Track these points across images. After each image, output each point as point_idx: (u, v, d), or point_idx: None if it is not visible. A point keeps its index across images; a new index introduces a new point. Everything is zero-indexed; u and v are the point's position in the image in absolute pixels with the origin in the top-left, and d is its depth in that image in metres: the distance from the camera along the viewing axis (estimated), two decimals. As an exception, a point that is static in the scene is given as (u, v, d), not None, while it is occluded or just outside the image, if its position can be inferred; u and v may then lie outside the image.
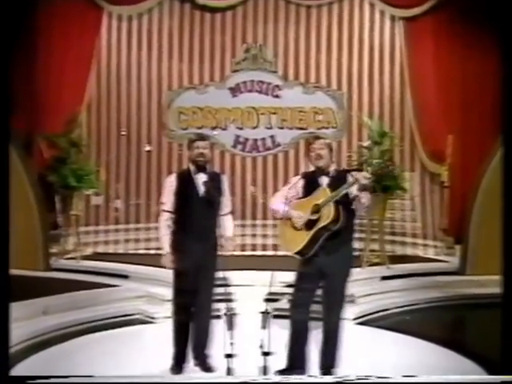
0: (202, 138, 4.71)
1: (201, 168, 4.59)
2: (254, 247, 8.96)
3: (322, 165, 4.41)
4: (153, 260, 7.20)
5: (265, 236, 8.87)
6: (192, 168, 4.62)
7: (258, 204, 9.13)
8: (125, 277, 7.29)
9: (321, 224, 4.24)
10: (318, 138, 4.54)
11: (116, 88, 9.11)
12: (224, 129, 9.14)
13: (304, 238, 4.31)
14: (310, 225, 4.30)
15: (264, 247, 8.86)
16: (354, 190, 4.25)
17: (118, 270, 7.49)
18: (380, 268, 7.57)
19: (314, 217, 4.29)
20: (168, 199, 4.59)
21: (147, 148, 9.13)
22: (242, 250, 8.71)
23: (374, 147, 7.71)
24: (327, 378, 3.94)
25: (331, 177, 4.42)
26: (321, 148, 4.42)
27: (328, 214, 4.22)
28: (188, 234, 4.51)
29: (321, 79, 9.13)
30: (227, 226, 4.68)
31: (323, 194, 4.30)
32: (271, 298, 5.31)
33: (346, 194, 4.25)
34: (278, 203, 4.51)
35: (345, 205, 4.26)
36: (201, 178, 4.57)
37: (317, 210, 4.28)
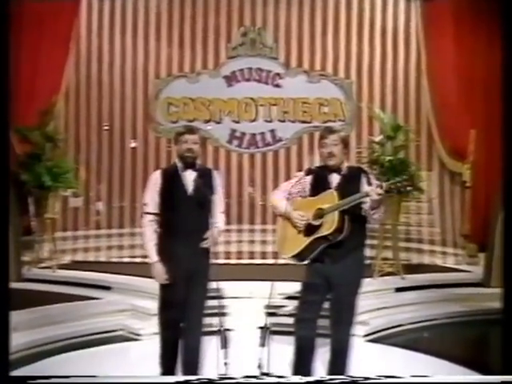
0: (191, 130, 4.64)
1: (189, 164, 4.55)
2: (251, 255, 8.95)
3: (333, 164, 4.38)
4: (138, 269, 7.30)
5: (264, 242, 8.85)
6: (179, 164, 4.58)
7: (256, 207, 9.12)
8: (106, 288, 7.27)
9: (321, 233, 4.25)
10: (331, 131, 4.47)
11: (97, 76, 9.09)
12: (218, 122, 9.14)
13: (301, 242, 4.32)
14: (309, 230, 4.30)
15: (263, 255, 8.84)
16: (365, 201, 4.21)
17: (98, 280, 7.46)
18: (393, 278, 7.55)
19: (316, 222, 4.28)
20: (152, 199, 4.54)
21: (132, 144, 9.13)
22: (239, 258, 8.74)
23: (386, 142, 7.69)
24: (329, 378, 3.89)
25: (343, 175, 4.40)
26: (334, 144, 4.37)
27: (331, 224, 4.21)
28: (175, 239, 4.46)
29: (327, 66, 9.12)
30: (219, 220, 4.60)
31: (330, 198, 4.27)
32: (271, 312, 5.29)
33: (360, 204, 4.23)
34: (279, 198, 4.51)
35: (352, 212, 4.23)
36: (189, 175, 4.53)
37: (320, 215, 4.27)
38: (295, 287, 5.88)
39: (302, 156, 9.04)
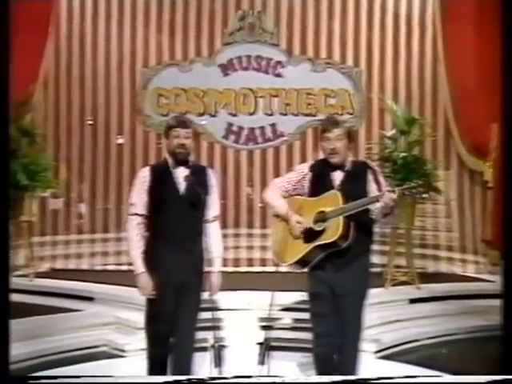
0: (184, 123, 4.59)
1: (181, 161, 4.52)
2: (250, 262, 8.93)
3: (337, 161, 4.36)
4: (124, 278, 7.16)
5: (264, 248, 8.78)
6: (170, 161, 4.55)
7: (255, 209, 9.07)
8: (89, 299, 7.24)
9: (323, 240, 4.22)
10: (335, 123, 4.43)
11: (79, 64, 9.07)
12: (213, 115, 9.13)
13: (300, 249, 4.30)
14: (310, 235, 4.27)
15: (263, 262, 8.80)
16: (374, 207, 4.20)
17: (80, 290, 7.43)
18: (408, 288, 7.53)
19: (317, 227, 4.25)
20: (139, 199, 4.49)
21: (119, 140, 9.12)
22: (236, 266, 8.69)
23: (399, 138, 7.67)
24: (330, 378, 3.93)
25: (347, 171, 4.37)
26: (338, 139, 4.34)
27: (335, 230, 4.18)
28: (165, 244, 4.42)
29: (333, 54, 9.10)
30: (213, 239, 4.56)
31: (333, 200, 4.24)
32: (271, 325, 5.23)
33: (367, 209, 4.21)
34: (276, 196, 4.49)
35: (359, 216, 4.20)
36: (181, 173, 4.49)
37: (321, 219, 4.24)
38: (298, 297, 5.92)
39: (305, 153, 8.98)
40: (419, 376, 3.63)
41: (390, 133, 7.93)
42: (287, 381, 3.48)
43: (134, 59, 9.13)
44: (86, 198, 9.13)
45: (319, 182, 4.38)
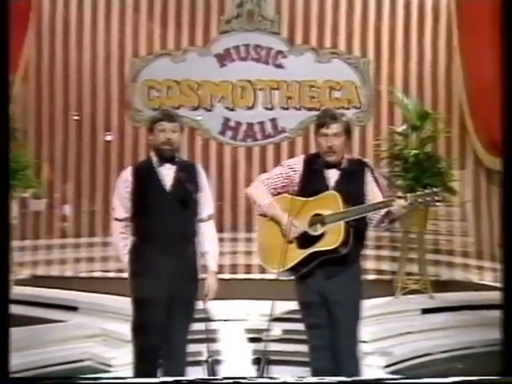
0: (170, 117, 4.57)
1: (167, 158, 4.50)
2: (248, 269, 8.89)
3: (333, 160, 4.30)
4: (111, 286, 7.30)
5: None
6: (155, 158, 4.53)
7: (254, 212, 8.92)
8: (73, 309, 7.22)
9: (324, 246, 4.15)
10: (333, 118, 4.35)
11: (62, 53, 9.08)
12: (209, 109, 9.13)
13: (295, 255, 4.22)
14: (305, 240, 4.20)
15: (262, 269, 8.47)
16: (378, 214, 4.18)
17: (63, 299, 7.41)
18: (420, 297, 7.51)
19: (315, 232, 4.18)
20: (121, 203, 4.51)
21: (106, 137, 9.12)
22: (233, 273, 8.69)
23: (411, 134, 7.64)
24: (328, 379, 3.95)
25: (343, 170, 4.32)
26: (336, 136, 4.28)
27: (335, 236, 4.12)
28: (152, 249, 4.40)
29: (339, 43, 9.09)
30: (209, 239, 4.57)
31: (331, 201, 4.17)
32: (271, 338, 5.20)
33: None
34: (261, 192, 4.42)
35: (358, 221, 4.17)
36: (167, 170, 4.49)
37: (318, 222, 4.17)
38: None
39: (308, 150, 8.73)
40: (419, 376, 3.57)
41: (400, 128, 7.91)
42: (294, 381, 3.53)
43: (122, 49, 9.12)
44: (70, 199, 9.13)
45: (311, 180, 4.31)
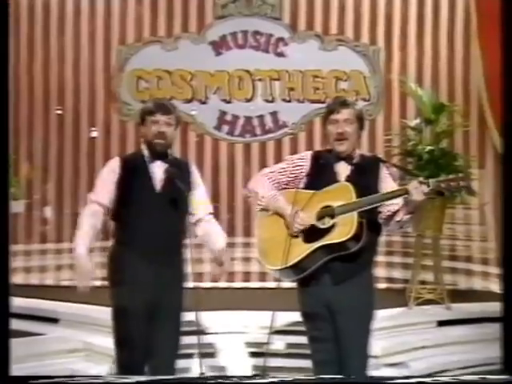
0: (164, 107, 4.55)
1: (159, 154, 4.47)
2: (247, 276, 8.92)
3: (344, 149, 4.28)
4: (96, 296, 7.09)
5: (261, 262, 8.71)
6: (146, 153, 4.51)
7: (253, 214, 8.88)
8: (54, 321, 7.22)
9: (332, 239, 4.10)
10: (344, 104, 4.35)
11: (42, 41, 9.05)
12: (203, 102, 9.11)
13: (299, 250, 4.16)
14: (312, 234, 4.14)
15: (262, 277, 8.74)
16: (393, 204, 4.14)
17: (43, 310, 7.40)
18: (435, 308, 7.52)
19: (323, 225, 4.13)
20: (106, 190, 4.47)
21: (91, 133, 9.08)
22: (230, 281, 8.65)
23: (425, 128, 7.65)
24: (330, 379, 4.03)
25: (355, 164, 4.29)
26: (347, 122, 4.27)
27: (347, 228, 4.06)
28: (135, 254, 4.38)
29: (346, 29, 9.06)
30: (215, 232, 4.59)
31: (342, 192, 4.15)
32: (271, 352, 5.16)
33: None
34: (264, 185, 4.39)
35: (371, 216, 4.14)
36: (159, 167, 4.46)
37: (328, 214, 4.14)
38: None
39: (312, 146, 8.81)
40: (420, 376, 3.58)
41: (413, 122, 7.89)
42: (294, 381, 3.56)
43: (108, 35, 9.08)
44: (51, 200, 9.11)
45: (320, 175, 4.29)
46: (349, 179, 4.23)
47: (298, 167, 4.37)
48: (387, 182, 4.26)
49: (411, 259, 7.81)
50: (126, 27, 9.09)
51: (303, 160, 4.39)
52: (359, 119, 4.33)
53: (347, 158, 4.29)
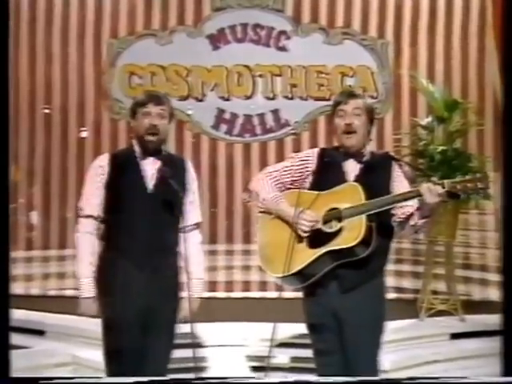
0: (156, 98, 4.51)
1: (152, 150, 4.43)
2: (246, 286, 8.91)
3: (353, 144, 4.23)
4: None
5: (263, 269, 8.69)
6: (137, 149, 4.47)
7: (253, 219, 8.89)
8: (39, 333, 7.23)
9: (339, 244, 4.05)
10: (351, 95, 4.34)
11: (28, 34, 9.05)
12: (200, 99, 9.12)
13: (305, 256, 4.11)
14: (317, 238, 4.10)
15: (262, 286, 8.76)
16: (407, 207, 4.10)
17: (28, 321, 7.37)
18: (448, 320, 7.52)
19: (329, 229, 4.08)
20: (94, 197, 4.41)
21: (80, 132, 9.08)
22: (228, 291, 8.71)
23: (437, 126, 7.65)
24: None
25: (365, 163, 4.25)
26: (356, 114, 4.23)
27: (355, 232, 4.01)
28: (125, 259, 4.33)
29: (353, 21, 9.06)
30: (193, 253, 4.47)
31: (350, 193, 4.10)
32: (272, 366, 5.12)
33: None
34: (265, 186, 4.34)
35: (382, 219, 4.09)
36: (151, 165, 4.42)
37: (335, 218, 4.09)
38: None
39: (316, 146, 8.76)
40: (422, 378, 3.58)
41: (424, 121, 7.90)
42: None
43: (98, 28, 9.08)
44: (37, 204, 9.10)
45: (327, 174, 4.24)
46: (358, 179, 4.19)
47: (303, 165, 4.33)
48: (400, 181, 4.22)
49: (422, 267, 7.81)
50: (118, 19, 9.08)
51: (309, 157, 4.35)
52: (368, 112, 4.29)
53: (356, 156, 4.25)
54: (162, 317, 4.38)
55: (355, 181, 4.18)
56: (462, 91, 8.76)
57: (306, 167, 4.32)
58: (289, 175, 4.33)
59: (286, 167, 4.38)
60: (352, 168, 4.24)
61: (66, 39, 9.04)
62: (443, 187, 3.89)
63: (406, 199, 4.03)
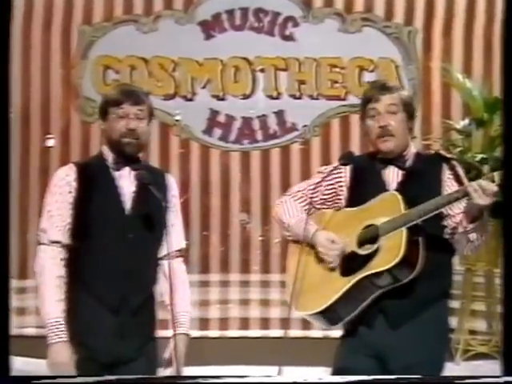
0: (134, 96, 4.42)
1: (127, 158, 4.35)
2: (245, 323, 8.84)
3: (391, 148, 4.21)
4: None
5: (265, 303, 8.80)
6: (110, 157, 4.38)
7: (252, 245, 9.04)
8: None
9: (376, 267, 3.99)
10: (386, 88, 4.30)
11: None
12: (189, 99, 9.09)
13: (336, 287, 4.07)
14: (351, 263, 4.07)
15: (264, 323, 8.76)
16: (456, 211, 4.07)
17: None
18: (489, 364, 7.52)
19: (364, 251, 4.05)
20: (59, 218, 4.30)
21: (46, 140, 9.10)
22: (223, 329, 8.68)
23: (475, 130, 7.70)
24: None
25: (408, 169, 4.23)
26: (391, 111, 4.21)
27: (394, 251, 3.94)
28: (94, 296, 4.26)
29: (374, 6, 9.04)
30: (177, 285, 4.40)
31: (389, 205, 4.07)
32: None
33: (438, 215, 4.03)
34: (291, 209, 4.34)
35: (431, 232, 4.03)
36: (127, 177, 4.35)
37: (371, 237, 4.04)
38: (318, 376, 5.78)
39: (329, 155, 8.86)
40: (423, 377, 3.82)
41: (460, 123, 7.95)
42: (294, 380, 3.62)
43: (69, 13, 9.06)
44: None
45: (365, 187, 4.23)
46: (400, 188, 4.17)
47: (335, 180, 4.34)
48: (451, 186, 4.16)
49: (458, 302, 7.73)
50: (93, 1, 9.06)
51: (341, 170, 4.34)
52: (406, 106, 4.26)
53: (397, 161, 4.23)
54: (141, 363, 4.33)
55: (396, 190, 4.15)
56: (505, 89, 8.61)
57: (339, 181, 4.34)
58: (318, 193, 4.33)
59: (315, 184, 4.38)
60: (393, 176, 4.23)
61: (28, 25, 9.02)
62: (494, 182, 3.80)
63: (450, 202, 3.97)
